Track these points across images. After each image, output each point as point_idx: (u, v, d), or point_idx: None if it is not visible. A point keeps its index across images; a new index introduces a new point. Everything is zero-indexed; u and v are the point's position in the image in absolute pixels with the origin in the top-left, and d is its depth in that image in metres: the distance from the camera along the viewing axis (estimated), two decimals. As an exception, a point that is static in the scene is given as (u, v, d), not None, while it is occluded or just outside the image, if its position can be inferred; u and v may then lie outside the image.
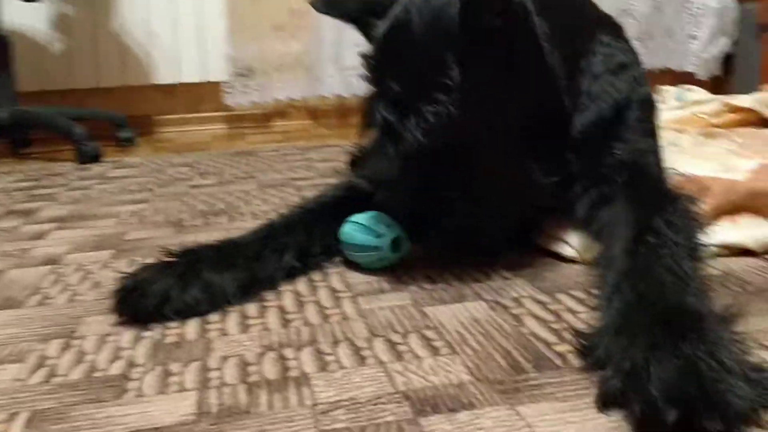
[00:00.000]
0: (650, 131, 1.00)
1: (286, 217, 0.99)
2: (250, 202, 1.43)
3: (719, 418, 0.49)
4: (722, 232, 0.92)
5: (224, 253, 0.89)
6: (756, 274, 0.87)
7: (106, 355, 0.73)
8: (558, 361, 0.67)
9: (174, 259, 0.86)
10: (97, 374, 0.69)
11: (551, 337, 0.72)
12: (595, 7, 1.12)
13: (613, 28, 1.08)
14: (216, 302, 0.84)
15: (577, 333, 0.68)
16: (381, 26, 0.90)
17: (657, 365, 0.54)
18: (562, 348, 0.69)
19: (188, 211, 1.38)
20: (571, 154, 0.94)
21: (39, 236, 1.23)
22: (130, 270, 0.86)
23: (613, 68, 1.00)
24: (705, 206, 0.93)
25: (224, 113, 2.88)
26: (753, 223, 0.94)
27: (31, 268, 1.04)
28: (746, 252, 0.93)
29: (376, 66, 0.89)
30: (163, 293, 0.81)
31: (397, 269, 0.94)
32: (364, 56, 0.91)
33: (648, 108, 1.02)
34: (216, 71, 2.80)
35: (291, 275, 0.93)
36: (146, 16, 2.73)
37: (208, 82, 2.82)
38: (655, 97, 1.07)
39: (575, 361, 0.66)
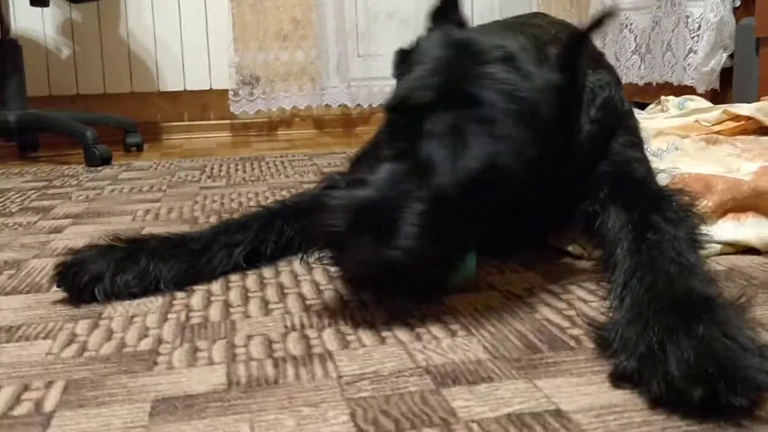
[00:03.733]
0: (631, 143, 0.98)
1: (246, 215, 1.02)
2: (261, 203, 1.45)
3: (742, 393, 0.52)
4: (727, 230, 0.96)
5: (169, 245, 0.92)
6: (761, 270, 0.90)
7: (134, 334, 0.75)
8: (572, 343, 0.69)
9: (118, 244, 0.90)
10: (127, 349, 0.71)
11: (564, 323, 0.75)
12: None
13: (593, 56, 1.04)
14: (147, 289, 0.87)
15: (592, 325, 0.69)
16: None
17: (673, 346, 0.56)
18: (575, 331, 0.72)
19: (201, 209, 1.41)
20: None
21: (56, 230, 1.26)
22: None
23: (599, 104, 0.95)
24: (710, 203, 0.97)
25: (229, 121, 2.92)
26: (757, 222, 0.97)
27: (51, 258, 1.07)
28: (751, 250, 0.96)
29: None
30: (98, 274, 0.85)
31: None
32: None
33: (627, 125, 1.00)
34: (221, 79, 2.84)
35: (236, 271, 0.95)
36: (153, 23, 2.77)
37: (214, 90, 2.86)
38: (635, 112, 1.07)
39: (589, 343, 0.69)
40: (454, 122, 0.73)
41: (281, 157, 2.18)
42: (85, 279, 0.84)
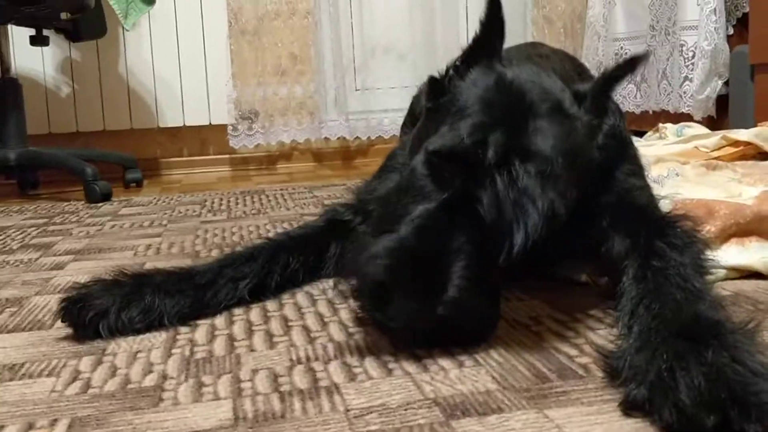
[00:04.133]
0: (632, 172, 0.98)
1: (251, 247, 1.01)
2: (262, 236, 1.45)
3: (756, 419, 0.51)
4: (732, 255, 0.95)
5: (174, 279, 0.91)
6: (767, 294, 0.90)
7: (139, 369, 0.74)
8: (581, 372, 0.69)
9: (123, 279, 0.89)
10: (131, 386, 0.70)
11: (573, 351, 0.74)
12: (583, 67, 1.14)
13: None
14: (152, 324, 0.86)
15: (600, 353, 0.69)
16: None
17: (683, 373, 0.55)
18: (584, 360, 0.71)
19: (203, 243, 1.40)
20: None
21: (58, 267, 1.25)
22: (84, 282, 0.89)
23: (605, 131, 0.92)
24: (712, 228, 0.97)
25: (229, 156, 2.93)
26: (761, 246, 0.97)
27: (53, 295, 1.06)
28: (755, 274, 0.96)
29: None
30: (103, 310, 0.84)
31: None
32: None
33: (629, 153, 1.00)
34: (220, 114, 2.85)
35: (241, 304, 0.94)
36: (152, 61, 2.79)
37: (213, 125, 2.87)
38: (634, 139, 1.07)
39: (598, 372, 0.68)
40: (514, 177, 0.72)
41: (281, 190, 2.19)
42: (90, 315, 0.83)
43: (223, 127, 2.84)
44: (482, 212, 0.71)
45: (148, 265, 1.23)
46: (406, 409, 0.62)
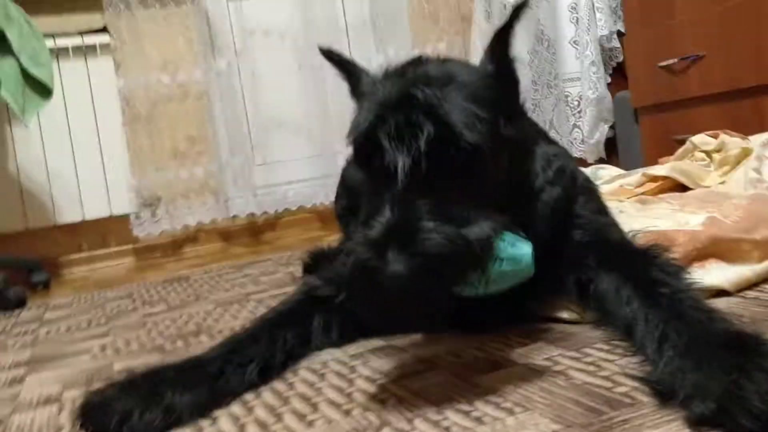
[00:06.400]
0: (599, 209, 1.07)
1: (250, 329, 1.01)
2: (219, 320, 1.42)
3: None
4: (698, 277, 1.03)
5: (187, 373, 0.89)
6: (743, 308, 0.98)
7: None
8: (627, 400, 0.72)
9: (137, 379, 0.87)
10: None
11: (606, 383, 0.78)
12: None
13: (542, 132, 1.16)
14: (172, 423, 0.84)
15: (644, 380, 0.74)
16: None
17: (748, 382, 0.60)
18: (622, 389, 0.75)
19: (160, 336, 1.35)
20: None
21: (17, 381, 1.17)
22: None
23: (554, 169, 1.03)
24: (677, 255, 1.05)
25: (132, 246, 2.83)
26: (719, 267, 1.06)
27: (33, 411, 0.99)
28: (720, 293, 1.04)
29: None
30: (126, 413, 0.81)
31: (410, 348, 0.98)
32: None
33: (589, 193, 1.08)
34: (121, 204, 2.76)
35: (251, 389, 0.93)
36: (44, 156, 2.68)
37: (114, 216, 2.77)
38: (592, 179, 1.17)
39: (643, 397, 0.72)
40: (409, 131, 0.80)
41: (206, 273, 2.14)
42: (115, 420, 0.79)
43: (125, 217, 2.75)
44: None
45: (118, 366, 1.17)
46: (490, 461, 0.63)
